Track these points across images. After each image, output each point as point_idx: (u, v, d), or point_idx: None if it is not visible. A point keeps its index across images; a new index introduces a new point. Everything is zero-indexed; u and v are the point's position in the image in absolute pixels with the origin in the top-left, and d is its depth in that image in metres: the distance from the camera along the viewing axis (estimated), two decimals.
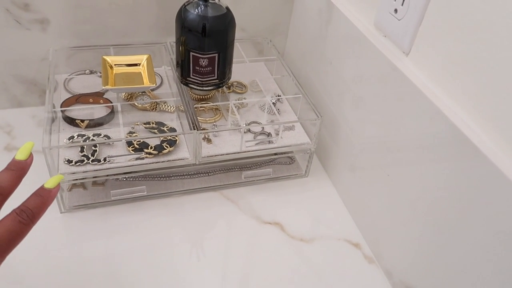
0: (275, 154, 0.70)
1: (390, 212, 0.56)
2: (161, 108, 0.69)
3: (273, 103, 0.72)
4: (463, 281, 0.44)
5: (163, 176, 0.66)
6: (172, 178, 0.66)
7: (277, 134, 0.66)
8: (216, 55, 0.62)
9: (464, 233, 0.44)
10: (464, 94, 0.45)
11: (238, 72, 0.77)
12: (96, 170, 0.58)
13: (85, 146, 0.60)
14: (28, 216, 0.35)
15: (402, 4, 0.51)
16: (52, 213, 0.60)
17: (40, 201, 0.37)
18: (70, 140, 0.61)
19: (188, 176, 0.67)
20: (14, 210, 0.35)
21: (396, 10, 0.52)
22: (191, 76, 0.65)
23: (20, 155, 0.38)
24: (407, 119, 0.51)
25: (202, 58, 0.62)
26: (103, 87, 0.63)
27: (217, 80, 0.66)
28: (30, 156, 0.38)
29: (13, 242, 0.34)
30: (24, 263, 0.54)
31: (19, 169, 0.37)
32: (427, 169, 0.49)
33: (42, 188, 0.38)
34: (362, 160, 0.62)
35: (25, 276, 0.53)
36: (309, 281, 0.56)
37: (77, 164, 0.58)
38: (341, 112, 0.66)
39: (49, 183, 0.38)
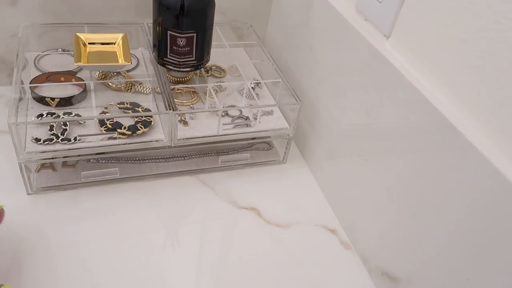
0: (253, 139, 0.68)
1: (367, 199, 0.56)
2: (137, 89, 0.67)
3: (252, 87, 0.70)
4: (439, 266, 0.44)
5: (137, 159, 0.64)
6: (147, 161, 0.64)
7: (255, 119, 0.65)
8: (195, 35, 0.61)
9: (440, 220, 0.44)
10: (445, 78, 0.44)
11: (217, 56, 0.75)
12: (66, 149, 0.56)
13: (54, 125, 0.58)
14: None
15: None
16: (18, 194, 0.57)
17: None
18: (39, 118, 0.59)
19: (163, 160, 0.65)
20: None
21: None
22: (168, 56, 0.63)
23: None
24: (387, 106, 0.51)
25: (180, 37, 0.60)
26: (75, 64, 0.60)
27: (195, 61, 0.64)
28: None
29: None
30: None
31: None
32: (405, 157, 0.48)
33: None
34: (340, 147, 0.61)
35: None
36: (285, 267, 0.55)
37: (46, 142, 0.56)
38: (321, 98, 0.65)
39: None
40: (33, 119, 0.58)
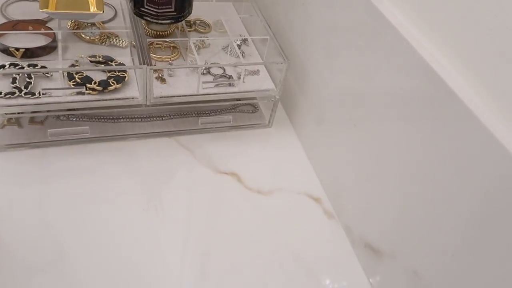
0: (237, 100, 0.64)
1: (354, 167, 0.52)
2: (112, 42, 0.62)
3: (238, 45, 0.65)
4: (424, 241, 0.41)
5: (111, 117, 0.60)
6: (121, 120, 0.60)
7: (239, 78, 0.60)
8: None
9: (430, 192, 0.40)
10: (447, 38, 0.40)
11: (203, 10, 0.70)
12: (30, 104, 0.51)
13: (18, 77, 0.53)
14: None
15: None
16: None
17: None
18: (1, 70, 0.54)
19: (140, 119, 0.61)
20: None
21: None
22: (145, 6, 0.57)
23: None
24: (382, 69, 0.46)
25: None
26: (41, 10, 0.54)
27: (175, 13, 0.59)
28: None
29: None
30: None
31: None
32: (398, 124, 0.44)
33: None
34: (329, 112, 0.57)
35: None
36: (265, 236, 0.52)
37: (7, 96, 0.51)
38: (311, 59, 0.60)
39: None
40: None
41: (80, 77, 0.54)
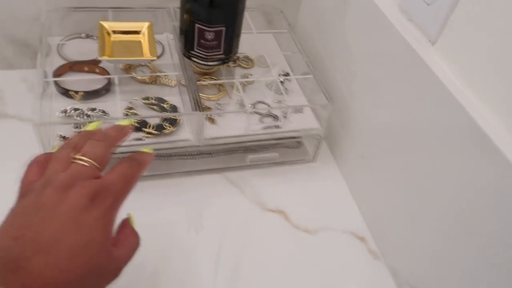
0: (282, 138, 0.66)
1: (397, 205, 0.54)
2: (162, 82, 0.65)
3: (281, 81, 0.67)
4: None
5: (164, 155, 0.62)
6: (174, 158, 0.63)
7: (285, 117, 0.62)
8: (224, 28, 0.57)
9: (478, 236, 0.41)
10: (491, 94, 0.41)
11: (245, 43, 0.71)
12: None
13: (80, 123, 0.56)
14: (138, 164, 0.37)
15: None
16: None
17: (144, 157, 0.38)
18: (64, 114, 0.57)
19: (190, 157, 0.63)
20: (124, 157, 0.37)
21: None
22: (195, 50, 0.60)
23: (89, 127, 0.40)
24: (424, 109, 0.47)
25: (208, 31, 0.57)
26: (100, 58, 0.58)
27: (223, 55, 0.61)
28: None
29: (127, 188, 0.36)
30: None
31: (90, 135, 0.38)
32: (441, 162, 0.45)
33: (134, 154, 0.38)
34: (372, 148, 0.58)
35: None
36: (310, 273, 0.54)
37: None
38: (353, 95, 0.62)
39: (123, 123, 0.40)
40: (57, 114, 0.57)
41: (137, 122, 0.57)
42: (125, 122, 0.40)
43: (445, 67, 0.46)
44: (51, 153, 0.37)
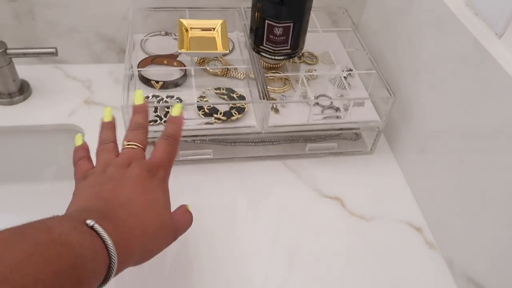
0: (341, 129, 0.69)
1: (457, 198, 0.54)
2: (232, 75, 0.70)
3: (344, 77, 0.70)
4: None
5: (229, 141, 0.68)
6: (238, 144, 0.68)
7: (346, 110, 0.65)
8: (292, 24, 0.61)
9: None
10: None
11: (310, 41, 0.75)
12: None
13: (159, 107, 0.63)
14: (173, 139, 0.43)
15: None
16: None
17: (176, 126, 0.45)
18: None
19: (253, 143, 0.68)
20: (162, 138, 0.43)
21: None
22: (264, 45, 0.65)
23: (173, 113, 0.46)
24: (489, 105, 0.48)
25: (277, 27, 0.61)
26: (179, 50, 0.64)
27: (290, 50, 0.65)
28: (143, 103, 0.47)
29: (171, 159, 0.42)
30: None
31: (145, 126, 0.46)
32: (505, 160, 0.46)
33: (172, 116, 0.46)
34: (433, 144, 0.59)
35: None
36: (365, 260, 0.56)
37: (151, 123, 0.61)
38: (415, 92, 0.63)
39: (175, 111, 0.46)
40: None
41: (208, 108, 0.63)
42: (177, 107, 0.46)
43: (511, 58, 0.46)
44: (84, 144, 0.45)
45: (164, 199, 0.40)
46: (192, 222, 0.44)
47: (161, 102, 0.64)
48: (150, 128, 0.60)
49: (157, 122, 0.61)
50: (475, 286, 0.51)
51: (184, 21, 0.69)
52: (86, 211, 0.34)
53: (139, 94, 0.47)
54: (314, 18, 0.74)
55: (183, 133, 0.61)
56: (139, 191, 0.38)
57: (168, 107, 0.63)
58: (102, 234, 0.31)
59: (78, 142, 0.46)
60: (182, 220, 0.42)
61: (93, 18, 0.75)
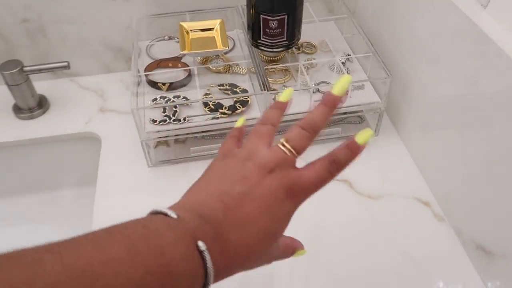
0: (344, 113, 0.70)
1: (462, 170, 0.55)
2: (234, 71, 0.73)
3: (343, 62, 0.72)
4: None
5: None
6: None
7: (346, 94, 0.67)
8: (286, 16, 0.64)
9: None
10: None
11: (308, 32, 0.77)
12: (177, 129, 0.64)
13: (167, 107, 0.66)
14: (337, 167, 0.36)
15: None
16: (141, 167, 0.68)
17: (350, 155, 0.36)
18: (154, 102, 0.68)
19: None
20: (327, 159, 0.36)
21: None
22: (262, 39, 0.67)
23: (282, 98, 0.40)
24: (484, 76, 0.49)
25: (272, 20, 0.64)
26: (181, 52, 0.67)
27: (287, 42, 0.67)
28: (290, 100, 0.40)
29: (318, 187, 0.36)
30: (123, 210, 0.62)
31: (283, 108, 0.40)
32: (504, 128, 0.47)
33: (353, 141, 0.37)
34: (434, 119, 0.61)
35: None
36: (376, 238, 0.58)
37: (161, 123, 0.64)
38: (414, 69, 0.64)
39: (361, 139, 0.37)
40: (149, 103, 0.68)
41: (213, 103, 0.65)
42: (285, 92, 0.40)
43: (497, 27, 0.47)
44: (242, 128, 0.41)
45: (282, 231, 0.35)
46: (293, 253, 0.39)
47: (168, 102, 0.67)
48: (161, 127, 0.64)
49: (166, 122, 0.64)
50: (483, 253, 0.52)
51: (184, 24, 0.72)
52: (201, 222, 0.31)
53: (289, 92, 0.40)
54: (310, 9, 0.76)
55: (193, 130, 0.65)
56: (263, 214, 0.33)
57: (175, 106, 0.66)
58: (208, 265, 0.29)
59: (239, 123, 0.42)
60: (284, 254, 0.38)
61: (99, 30, 0.79)
